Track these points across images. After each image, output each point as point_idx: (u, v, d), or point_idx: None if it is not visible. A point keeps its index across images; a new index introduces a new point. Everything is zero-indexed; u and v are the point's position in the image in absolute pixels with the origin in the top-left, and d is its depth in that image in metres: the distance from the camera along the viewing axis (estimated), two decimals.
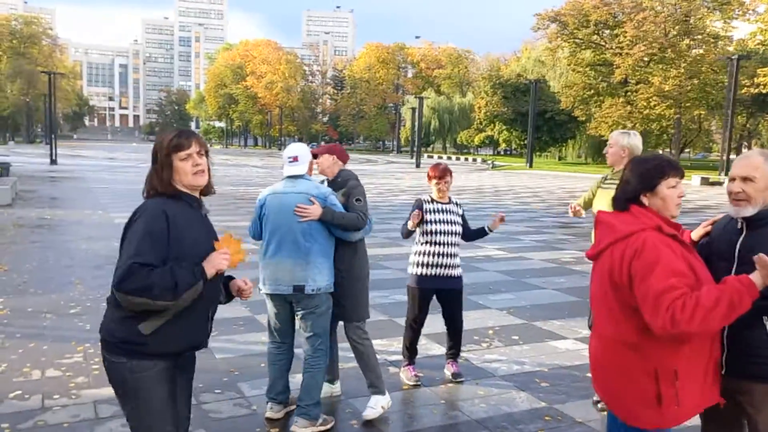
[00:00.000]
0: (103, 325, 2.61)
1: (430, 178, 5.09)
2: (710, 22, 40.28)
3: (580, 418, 4.59)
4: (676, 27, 38.33)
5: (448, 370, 5.26)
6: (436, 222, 5.03)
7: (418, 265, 5.08)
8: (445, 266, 5.03)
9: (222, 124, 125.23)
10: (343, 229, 4.18)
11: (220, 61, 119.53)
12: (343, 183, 4.45)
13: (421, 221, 4.97)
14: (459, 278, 5.14)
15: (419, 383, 5.10)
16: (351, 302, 4.40)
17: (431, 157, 68.67)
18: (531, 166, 45.85)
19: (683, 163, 49.58)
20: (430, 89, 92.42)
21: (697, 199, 24.05)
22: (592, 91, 41.79)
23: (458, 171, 43.63)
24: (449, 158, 67.68)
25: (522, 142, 56.00)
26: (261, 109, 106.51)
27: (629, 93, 39.51)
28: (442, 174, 5.03)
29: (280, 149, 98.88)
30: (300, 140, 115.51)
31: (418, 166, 46.42)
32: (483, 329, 6.67)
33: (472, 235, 5.25)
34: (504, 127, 57.71)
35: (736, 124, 38.24)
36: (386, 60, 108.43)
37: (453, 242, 5.05)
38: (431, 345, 6.12)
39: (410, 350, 5.21)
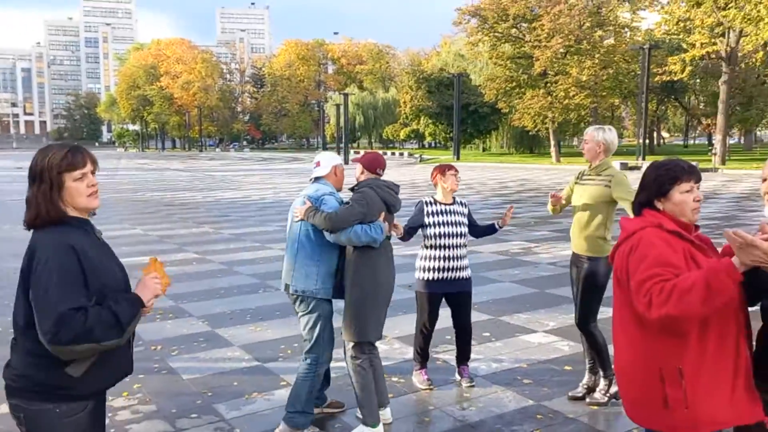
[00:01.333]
0: (15, 372, 2.32)
1: (437, 175, 4.98)
2: (620, 13, 42.11)
3: (571, 414, 4.58)
4: (590, 19, 39.82)
5: (458, 374, 5.18)
6: (438, 224, 4.90)
7: (425, 270, 4.94)
8: (453, 269, 4.90)
9: (136, 127, 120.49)
10: (323, 229, 4.08)
11: (131, 62, 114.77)
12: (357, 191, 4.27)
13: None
14: (468, 280, 5.03)
15: (431, 387, 5.02)
16: (346, 318, 4.18)
17: (358, 153, 68.49)
18: (458, 159, 46.61)
19: None
20: (353, 85, 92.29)
21: None
22: (514, 84, 42.80)
23: (387, 166, 43.68)
24: (375, 151, 67.50)
25: (448, 135, 56.86)
26: (178, 110, 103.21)
27: (549, 84, 40.73)
28: (443, 170, 4.98)
29: (200, 151, 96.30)
30: (221, 141, 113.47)
31: (346, 162, 46.19)
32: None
33: (480, 231, 5.14)
34: (430, 121, 58.34)
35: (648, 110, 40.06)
36: (306, 57, 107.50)
37: (459, 244, 4.92)
38: (406, 348, 5.99)
39: (422, 355, 5.11)
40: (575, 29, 38.70)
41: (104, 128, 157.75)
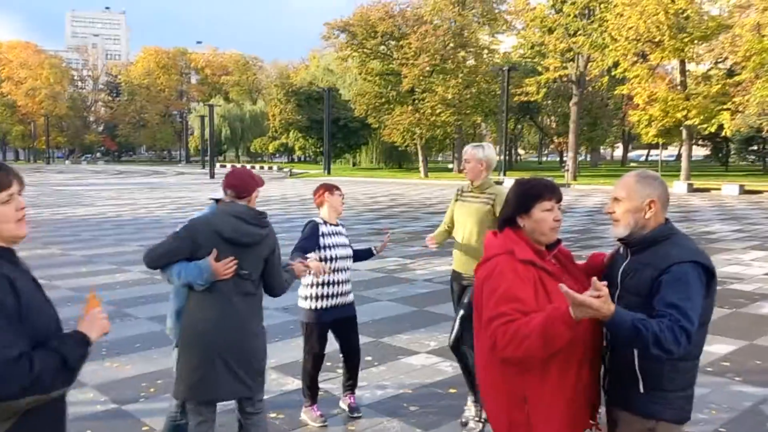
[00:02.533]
0: None
1: (324, 193, 4.65)
2: (481, 35, 44.33)
3: None
4: (453, 40, 41.46)
5: (345, 404, 4.85)
6: (332, 247, 4.54)
7: (313, 299, 4.54)
8: (341, 294, 4.59)
9: None
10: None
11: None
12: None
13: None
14: (352, 304, 4.73)
15: (326, 423, 4.63)
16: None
17: (224, 166, 66.50)
18: (329, 173, 46.51)
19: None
20: (218, 96, 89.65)
21: None
22: (383, 100, 43.52)
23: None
24: (243, 167, 65.71)
25: (318, 149, 56.61)
26: (22, 119, 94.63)
27: (417, 101, 41.82)
28: (331, 189, 4.68)
29: (48, 163, 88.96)
30: (71, 152, 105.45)
31: (212, 176, 44.54)
32: (332, 353, 6.24)
33: (359, 255, 4.82)
34: (300, 135, 57.74)
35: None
36: (167, 65, 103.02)
37: (347, 267, 4.64)
38: (284, 379, 5.58)
39: (312, 390, 4.71)
40: (440, 49, 40.10)
41: None
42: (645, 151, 76.85)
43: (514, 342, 2.29)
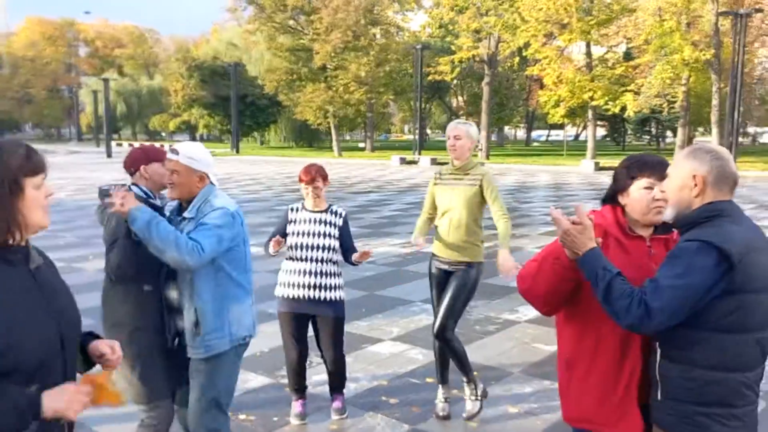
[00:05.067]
0: None
1: (301, 180, 4.21)
2: (392, 13, 43.92)
3: None
4: (365, 17, 40.73)
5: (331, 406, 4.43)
6: (299, 234, 4.13)
7: (284, 286, 4.16)
8: (318, 287, 4.10)
9: None
10: None
11: None
12: None
13: (281, 246, 4.12)
14: (336, 303, 4.19)
15: (304, 421, 4.28)
16: None
17: (120, 145, 62.92)
18: (238, 152, 44.87)
19: (376, 144, 53.81)
20: (111, 70, 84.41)
21: (398, 179, 26.09)
22: (294, 76, 42.35)
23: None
24: (141, 146, 62.21)
25: (224, 128, 54.47)
26: None
27: (329, 78, 40.99)
28: (311, 178, 4.15)
29: None
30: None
31: (109, 156, 41.81)
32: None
33: (349, 257, 4.23)
34: (205, 112, 55.24)
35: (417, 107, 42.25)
36: (53, 37, 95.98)
37: (325, 258, 4.13)
38: (245, 375, 5.07)
39: (294, 383, 4.34)
40: (353, 25, 39.34)
41: None
42: (546, 132, 79.92)
43: (522, 272, 2.37)
